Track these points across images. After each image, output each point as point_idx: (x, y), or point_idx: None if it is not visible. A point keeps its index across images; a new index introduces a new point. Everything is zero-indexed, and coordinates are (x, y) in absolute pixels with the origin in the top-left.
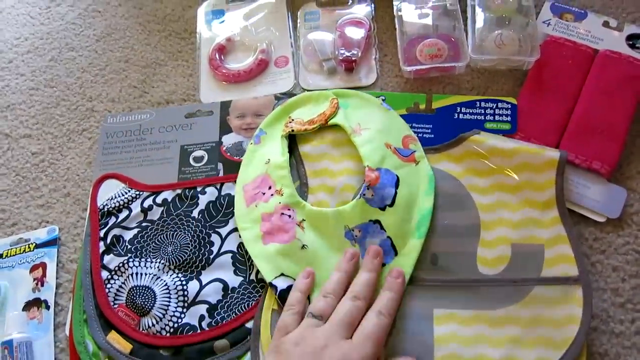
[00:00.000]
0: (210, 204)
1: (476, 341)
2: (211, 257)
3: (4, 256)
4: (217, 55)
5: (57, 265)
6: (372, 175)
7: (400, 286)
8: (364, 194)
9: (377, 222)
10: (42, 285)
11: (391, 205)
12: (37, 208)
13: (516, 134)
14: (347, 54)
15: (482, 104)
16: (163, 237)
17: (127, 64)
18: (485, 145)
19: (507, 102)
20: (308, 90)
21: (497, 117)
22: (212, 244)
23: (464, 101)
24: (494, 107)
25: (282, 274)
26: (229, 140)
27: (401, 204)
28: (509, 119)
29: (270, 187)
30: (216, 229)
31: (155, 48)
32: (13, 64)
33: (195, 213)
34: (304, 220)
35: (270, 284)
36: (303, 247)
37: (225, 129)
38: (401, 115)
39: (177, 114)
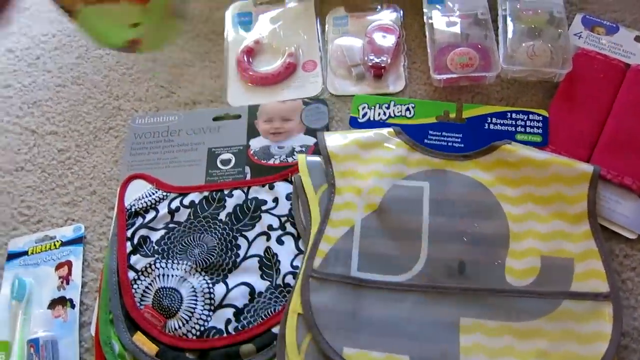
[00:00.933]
0: (237, 207)
1: (502, 353)
2: (238, 260)
3: (29, 253)
4: (245, 58)
5: (82, 263)
6: None
7: None
8: None
9: None
10: (68, 283)
11: None
12: (63, 205)
13: (547, 147)
14: (377, 60)
15: (513, 115)
16: (190, 239)
17: (155, 63)
18: (516, 155)
19: (539, 115)
20: (335, 96)
21: (528, 129)
22: (238, 247)
23: (494, 112)
24: (525, 118)
25: None
26: (256, 144)
27: None
28: (540, 131)
29: None
30: (243, 233)
31: (182, 49)
32: (40, 60)
33: (222, 216)
34: None
35: None
36: None
37: (252, 132)
38: (431, 124)
39: (205, 116)
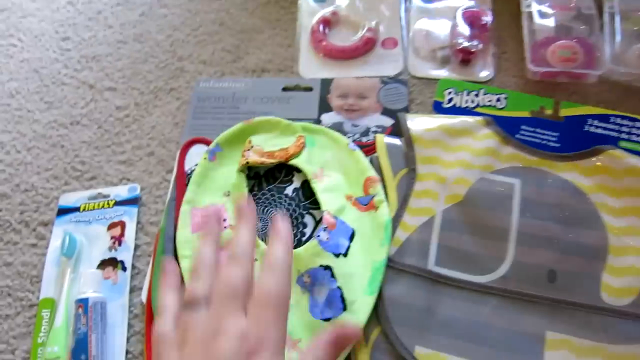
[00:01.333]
0: (306, 183)
1: None
2: (303, 239)
3: (81, 210)
4: (321, 28)
5: (136, 225)
6: (331, 220)
7: (288, 232)
8: (319, 236)
9: (329, 268)
10: (120, 244)
11: (345, 255)
12: (118, 164)
13: None
14: (467, 44)
15: (618, 120)
16: None
17: (222, 26)
18: (623, 163)
19: None
20: (416, 78)
21: (633, 137)
22: (305, 225)
23: (596, 113)
24: (631, 125)
25: None
26: (328, 119)
27: (355, 255)
28: None
29: (224, 220)
30: (310, 210)
31: (252, 14)
32: (102, 15)
33: (288, 190)
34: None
35: None
36: None
37: (324, 107)
38: (524, 118)
39: (274, 85)
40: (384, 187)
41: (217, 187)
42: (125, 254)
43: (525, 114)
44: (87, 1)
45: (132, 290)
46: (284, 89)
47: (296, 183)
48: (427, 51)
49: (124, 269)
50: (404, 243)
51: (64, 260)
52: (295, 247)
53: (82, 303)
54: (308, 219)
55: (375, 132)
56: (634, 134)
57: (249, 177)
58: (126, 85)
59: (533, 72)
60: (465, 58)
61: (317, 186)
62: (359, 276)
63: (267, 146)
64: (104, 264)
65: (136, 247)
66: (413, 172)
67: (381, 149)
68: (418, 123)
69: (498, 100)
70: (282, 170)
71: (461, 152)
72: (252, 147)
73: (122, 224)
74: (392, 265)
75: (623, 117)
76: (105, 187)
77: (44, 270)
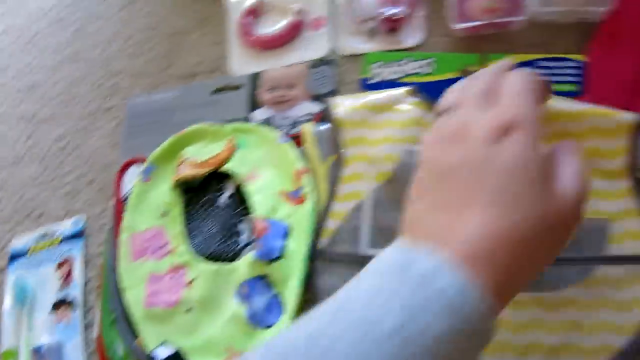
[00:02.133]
0: (239, 188)
1: (530, 327)
2: (237, 248)
3: (29, 253)
4: (247, 20)
5: (84, 259)
6: (260, 225)
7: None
8: (253, 247)
9: (265, 277)
10: (69, 283)
11: (279, 257)
12: (63, 197)
13: (584, 97)
14: (391, 12)
15: (544, 63)
16: (190, 226)
17: (154, 31)
18: (549, 109)
19: (573, 60)
20: (346, 56)
21: (561, 78)
22: (239, 233)
23: (522, 61)
24: (562, 66)
25: (164, 342)
26: (259, 115)
27: (291, 254)
28: (575, 79)
29: (165, 244)
30: (244, 217)
31: (181, 14)
32: (38, 36)
33: (222, 200)
34: (194, 279)
35: (149, 357)
36: (188, 310)
37: (255, 103)
38: (452, 80)
39: (202, 90)
40: (315, 177)
41: (154, 208)
42: (75, 292)
43: (455, 74)
44: (19, 27)
45: (87, 327)
46: (214, 92)
47: (229, 190)
48: (354, 25)
49: (75, 307)
50: (335, 232)
51: (18, 309)
52: (232, 259)
53: (37, 351)
54: (242, 227)
55: (305, 121)
56: (562, 74)
57: (185, 192)
58: (64, 111)
59: (459, 30)
60: (392, 27)
61: (249, 189)
62: (297, 273)
63: (201, 155)
64: (57, 305)
65: (87, 281)
66: (340, 156)
67: (308, 138)
68: (343, 104)
69: (422, 66)
70: (214, 179)
71: (387, 128)
72: (184, 160)
73: (70, 261)
74: (324, 257)
75: (549, 60)
76: (52, 224)
77: (2, 321)
